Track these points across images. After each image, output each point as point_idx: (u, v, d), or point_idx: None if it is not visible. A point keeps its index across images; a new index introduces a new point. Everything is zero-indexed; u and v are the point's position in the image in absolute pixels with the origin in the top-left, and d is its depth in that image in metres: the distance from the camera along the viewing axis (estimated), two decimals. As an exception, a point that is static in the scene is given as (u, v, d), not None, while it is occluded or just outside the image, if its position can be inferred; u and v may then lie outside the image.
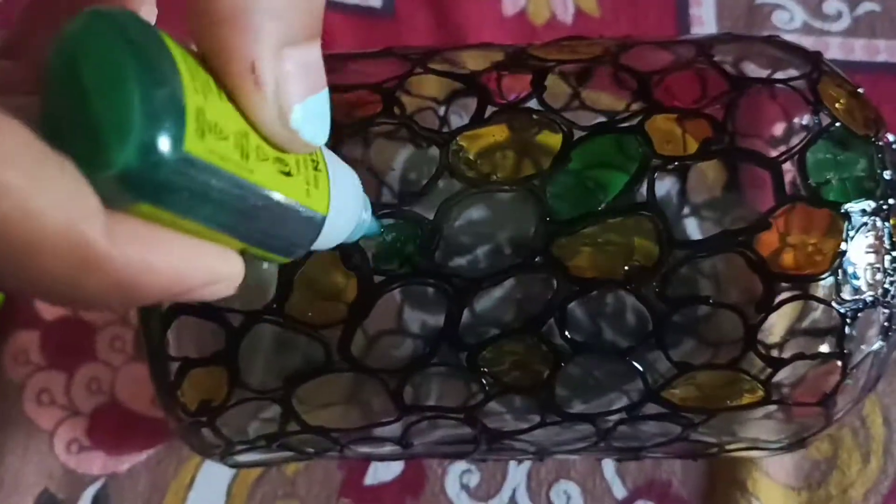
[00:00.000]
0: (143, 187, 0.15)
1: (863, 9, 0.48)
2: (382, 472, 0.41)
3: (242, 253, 0.19)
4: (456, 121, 0.33)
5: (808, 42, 0.47)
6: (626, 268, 0.29)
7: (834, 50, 0.47)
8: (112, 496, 0.42)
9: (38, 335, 0.43)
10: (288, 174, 0.19)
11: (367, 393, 0.32)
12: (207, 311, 0.28)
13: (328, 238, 0.21)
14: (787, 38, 0.44)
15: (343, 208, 0.22)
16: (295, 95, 0.18)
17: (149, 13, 0.21)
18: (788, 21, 0.47)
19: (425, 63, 0.31)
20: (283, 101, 0.18)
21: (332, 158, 0.21)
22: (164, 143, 0.15)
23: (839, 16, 0.48)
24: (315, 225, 0.20)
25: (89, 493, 0.42)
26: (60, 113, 0.16)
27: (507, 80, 0.31)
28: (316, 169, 0.20)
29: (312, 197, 0.20)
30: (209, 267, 0.18)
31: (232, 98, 0.17)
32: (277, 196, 0.18)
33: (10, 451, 0.42)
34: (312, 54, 0.18)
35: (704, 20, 0.48)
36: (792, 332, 0.31)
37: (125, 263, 0.16)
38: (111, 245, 0.16)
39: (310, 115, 0.18)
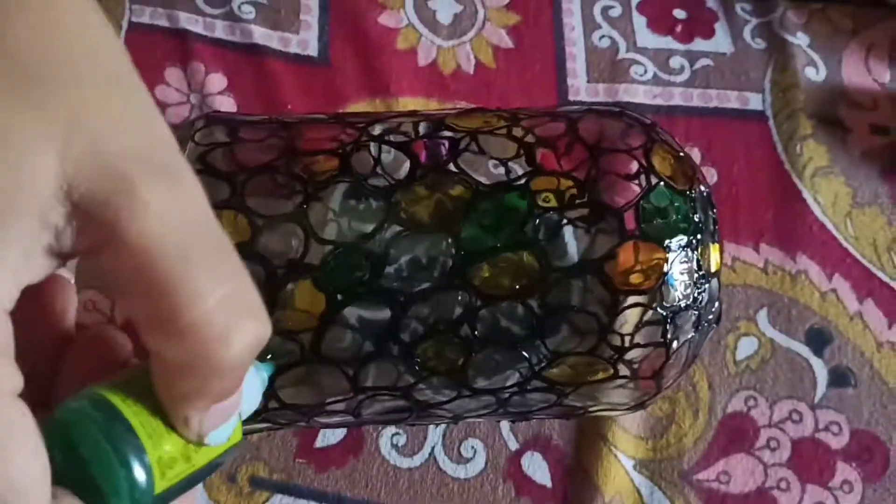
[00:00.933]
0: None
1: (700, 64, 0.58)
2: (329, 437, 0.49)
3: None
4: (385, 157, 0.40)
5: (657, 90, 0.57)
6: (518, 286, 0.39)
7: (677, 97, 0.57)
8: None
9: None
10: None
11: (319, 376, 0.41)
12: None
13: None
14: (641, 87, 0.56)
15: (248, 410, 0.29)
16: (209, 429, 0.26)
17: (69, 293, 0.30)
18: (643, 73, 0.58)
19: (369, 131, 0.41)
20: (202, 432, 0.26)
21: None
22: (144, 497, 0.24)
23: (682, 69, 0.58)
24: (233, 451, 0.29)
25: None
26: (68, 469, 0.24)
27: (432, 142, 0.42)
28: None
29: (231, 441, 0.28)
30: None
31: (170, 424, 0.26)
32: (211, 464, 0.27)
33: None
34: (228, 405, 0.26)
35: (578, 72, 0.57)
36: (639, 325, 0.40)
37: None
38: None
39: (219, 432, 0.26)
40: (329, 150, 0.40)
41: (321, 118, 0.44)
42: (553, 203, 0.39)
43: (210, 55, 0.56)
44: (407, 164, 0.41)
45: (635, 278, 0.39)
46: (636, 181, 0.40)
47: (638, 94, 0.57)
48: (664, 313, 0.39)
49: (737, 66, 0.59)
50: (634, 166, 0.40)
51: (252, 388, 0.30)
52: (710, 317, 0.41)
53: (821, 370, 0.52)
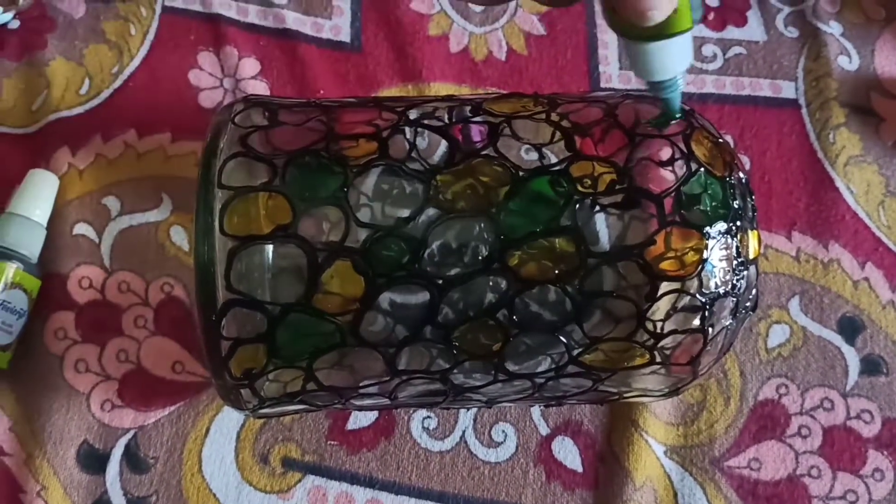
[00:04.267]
0: None
1: (732, 52, 0.57)
2: (361, 419, 0.49)
3: None
4: (420, 142, 0.40)
5: (689, 78, 0.56)
6: (556, 271, 0.38)
7: (709, 85, 0.56)
8: (141, 444, 0.48)
9: (73, 315, 0.50)
10: None
11: (356, 359, 0.40)
12: (252, 303, 0.37)
13: (676, 55, 0.34)
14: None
15: (685, 49, 0.34)
16: None
17: None
18: (675, 61, 0.57)
19: (407, 115, 0.40)
20: None
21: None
22: None
23: (714, 57, 0.57)
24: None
25: (122, 442, 0.48)
26: None
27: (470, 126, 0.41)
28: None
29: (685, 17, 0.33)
30: None
31: None
32: None
33: (55, 412, 0.48)
34: None
35: (609, 59, 0.56)
36: (673, 309, 0.39)
37: None
38: None
39: None
40: (367, 135, 0.39)
41: (359, 102, 0.43)
42: (592, 189, 0.38)
43: (243, 40, 0.56)
44: (442, 149, 0.40)
45: (675, 265, 0.38)
46: (675, 167, 0.39)
47: (670, 81, 0.56)
48: (703, 300, 0.38)
49: (769, 55, 0.58)
50: (674, 152, 0.39)
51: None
52: (748, 304, 0.40)
53: (853, 358, 0.51)
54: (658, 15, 0.31)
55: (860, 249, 0.53)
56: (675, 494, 0.49)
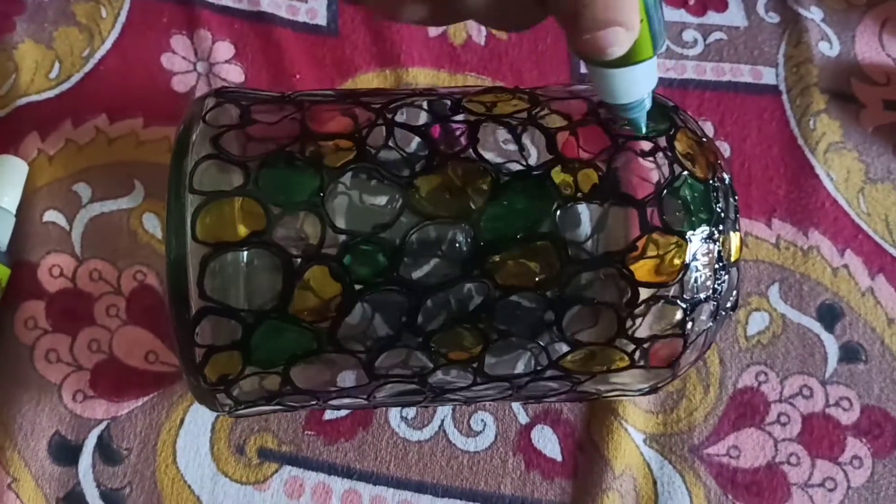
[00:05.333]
0: None
1: (713, 37, 0.55)
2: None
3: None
4: (399, 134, 0.37)
5: (669, 64, 0.54)
6: (537, 277, 0.36)
7: (689, 71, 0.54)
8: (114, 436, 0.46)
9: (44, 304, 0.47)
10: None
11: (334, 362, 0.38)
12: (227, 311, 0.34)
13: (639, 80, 0.32)
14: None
15: (649, 74, 0.32)
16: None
17: None
18: (655, 46, 0.55)
19: (385, 113, 0.37)
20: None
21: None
22: None
23: (695, 43, 0.55)
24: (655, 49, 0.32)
25: (94, 433, 0.46)
26: None
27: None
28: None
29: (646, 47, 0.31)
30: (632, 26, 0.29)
31: None
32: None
33: (26, 403, 0.46)
34: None
35: None
36: (653, 314, 0.37)
37: None
38: None
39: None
40: (344, 135, 0.36)
41: (336, 97, 0.40)
42: (573, 192, 0.36)
43: (217, 23, 0.53)
44: (418, 139, 0.38)
45: (656, 271, 0.36)
46: (657, 159, 0.37)
47: (650, 66, 0.54)
48: (684, 306, 0.36)
49: (750, 40, 0.55)
50: (657, 153, 0.37)
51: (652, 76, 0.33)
52: (728, 305, 0.38)
53: (832, 346, 0.50)
54: (618, 51, 0.29)
55: (840, 237, 0.52)
56: (655, 482, 0.47)
